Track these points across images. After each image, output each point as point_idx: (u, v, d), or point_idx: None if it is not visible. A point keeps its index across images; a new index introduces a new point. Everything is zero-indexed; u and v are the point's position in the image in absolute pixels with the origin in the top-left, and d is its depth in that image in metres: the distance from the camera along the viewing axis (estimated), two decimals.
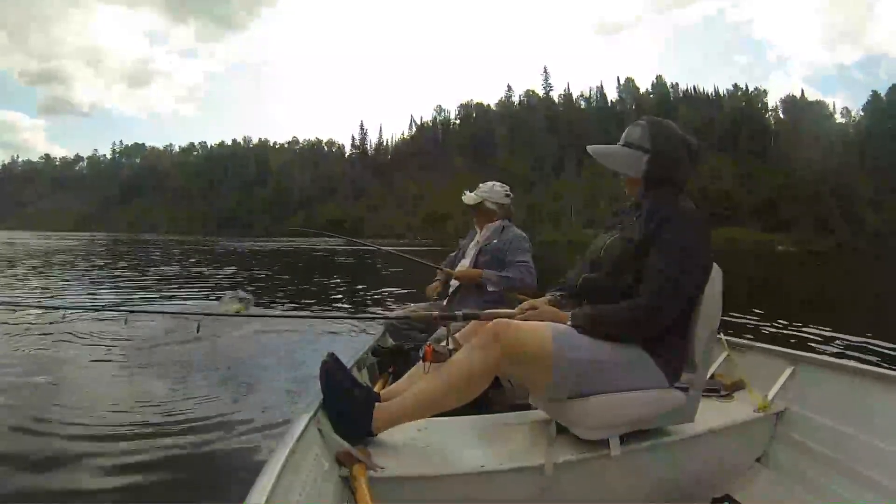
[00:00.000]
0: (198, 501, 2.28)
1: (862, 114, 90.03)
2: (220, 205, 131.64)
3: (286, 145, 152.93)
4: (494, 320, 1.77)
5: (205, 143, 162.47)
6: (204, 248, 31.68)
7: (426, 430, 1.90)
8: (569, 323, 1.82)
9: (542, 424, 1.95)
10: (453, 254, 3.81)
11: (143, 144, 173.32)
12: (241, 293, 6.49)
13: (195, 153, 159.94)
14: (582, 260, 2.04)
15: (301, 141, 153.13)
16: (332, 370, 1.80)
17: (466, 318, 2.05)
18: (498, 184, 3.66)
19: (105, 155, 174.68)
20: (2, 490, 2.31)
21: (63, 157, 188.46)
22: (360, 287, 11.79)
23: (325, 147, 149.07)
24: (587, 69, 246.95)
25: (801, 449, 2.10)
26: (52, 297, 9.05)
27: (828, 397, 2.11)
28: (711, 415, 2.08)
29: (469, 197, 3.63)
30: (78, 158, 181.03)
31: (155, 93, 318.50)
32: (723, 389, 2.41)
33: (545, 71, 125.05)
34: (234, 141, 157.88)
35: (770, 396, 2.26)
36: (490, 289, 3.28)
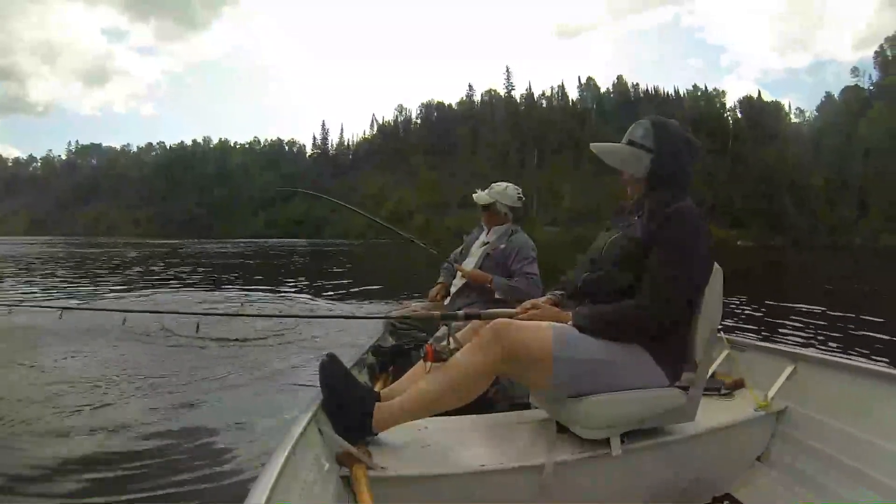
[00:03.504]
0: (198, 501, 2.26)
1: (816, 114, 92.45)
2: (181, 206, 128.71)
3: (247, 145, 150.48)
4: (495, 320, 1.77)
5: (163, 142, 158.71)
6: (177, 251, 30.81)
7: (426, 430, 1.90)
8: (570, 323, 1.82)
9: (542, 424, 1.95)
10: (458, 250, 3.76)
11: (100, 144, 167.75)
12: None
13: (154, 153, 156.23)
14: (582, 259, 2.03)
15: (262, 141, 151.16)
16: (330, 370, 1.79)
17: (468, 317, 2.05)
18: (511, 185, 3.62)
19: (60, 155, 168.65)
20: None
21: (16, 158, 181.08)
22: (350, 285, 11.85)
23: (287, 147, 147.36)
24: (548, 70, 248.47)
25: (801, 448, 2.11)
26: (46, 296, 8.88)
27: (828, 396, 2.12)
28: (712, 414, 2.08)
29: (481, 196, 3.57)
30: (31, 159, 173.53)
31: (113, 92, 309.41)
32: (723, 388, 2.42)
33: (507, 70, 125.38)
34: (193, 141, 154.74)
35: (770, 395, 2.26)
36: (497, 296, 3.24)
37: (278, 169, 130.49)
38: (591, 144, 2.01)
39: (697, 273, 1.80)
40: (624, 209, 2.06)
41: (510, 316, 1.89)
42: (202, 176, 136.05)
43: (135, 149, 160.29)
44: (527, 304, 2.01)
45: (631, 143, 1.95)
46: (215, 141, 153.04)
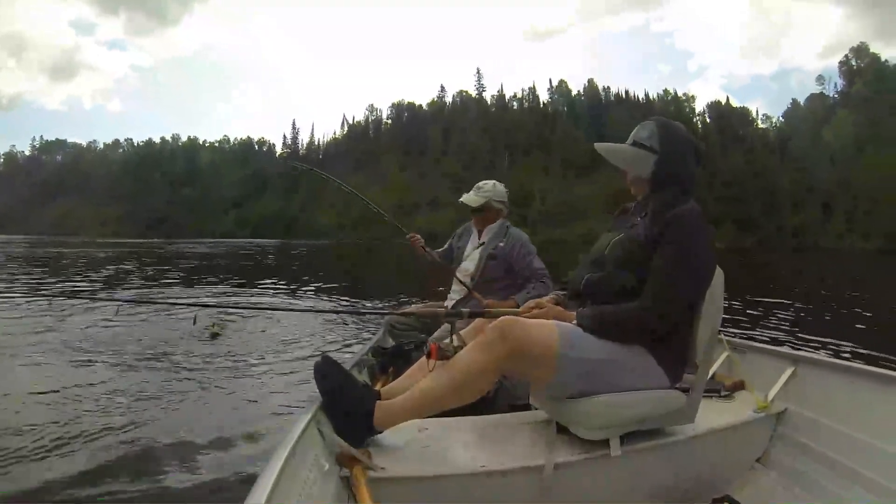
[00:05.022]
0: (198, 501, 2.25)
1: (782, 120, 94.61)
2: (149, 205, 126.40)
3: (217, 144, 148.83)
4: (500, 318, 1.75)
5: (131, 139, 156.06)
6: (152, 252, 29.95)
7: (426, 430, 1.89)
8: (573, 322, 1.81)
9: (542, 424, 1.94)
10: (442, 249, 3.68)
11: (66, 140, 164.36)
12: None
13: (121, 150, 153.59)
14: (585, 259, 2.03)
15: (232, 139, 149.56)
16: (326, 371, 1.78)
17: (472, 315, 2.03)
18: (496, 181, 3.56)
19: (24, 151, 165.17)
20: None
21: None
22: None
23: (257, 146, 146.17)
24: (519, 72, 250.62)
25: (801, 449, 2.11)
26: (36, 286, 8.64)
27: (828, 397, 2.12)
28: (712, 415, 2.08)
29: (472, 199, 3.46)
30: None
31: (79, 86, 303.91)
32: (723, 390, 2.42)
33: (478, 72, 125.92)
34: (162, 138, 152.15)
35: (770, 397, 2.27)
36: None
37: (249, 167, 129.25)
38: (595, 144, 2.00)
39: (700, 276, 1.80)
40: (627, 210, 2.06)
41: (514, 314, 1.88)
42: (171, 174, 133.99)
43: (101, 145, 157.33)
44: (530, 303, 2.01)
45: (636, 143, 1.95)
46: (184, 139, 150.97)
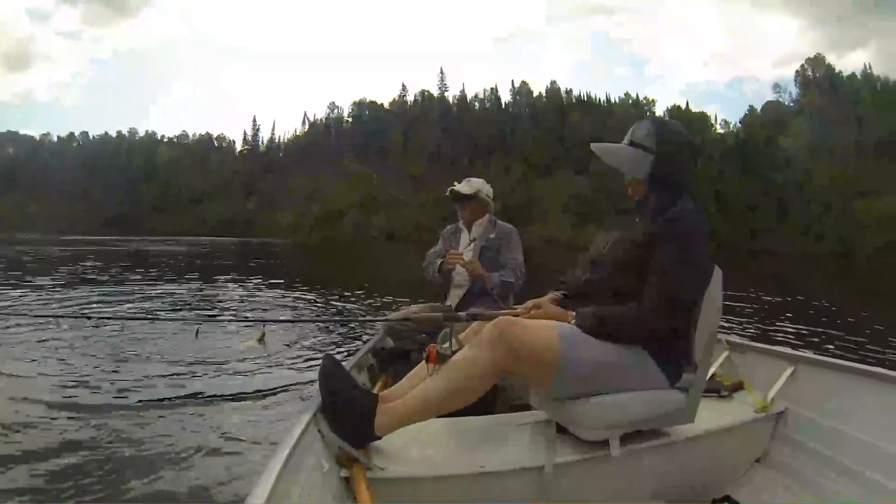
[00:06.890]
0: (199, 502, 2.26)
1: (740, 125, 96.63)
2: (106, 201, 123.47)
3: (175, 139, 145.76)
4: (500, 318, 1.74)
5: (86, 133, 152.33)
6: (127, 251, 28.15)
7: (426, 431, 1.87)
8: (573, 322, 1.80)
9: (542, 424, 1.94)
10: (434, 249, 3.60)
11: (17, 132, 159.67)
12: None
13: (76, 144, 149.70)
14: (583, 259, 2.02)
15: (191, 135, 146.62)
16: (330, 372, 1.74)
17: (471, 318, 2.01)
18: (481, 180, 3.58)
19: None
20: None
21: None
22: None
23: (216, 142, 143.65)
24: (481, 73, 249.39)
25: (800, 449, 2.12)
26: (42, 305, 8.35)
27: (828, 397, 2.13)
28: (711, 415, 2.08)
29: (463, 187, 3.47)
30: None
31: (34, 77, 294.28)
32: (723, 390, 2.41)
33: (441, 72, 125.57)
34: (118, 133, 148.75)
35: (770, 397, 2.27)
36: (493, 292, 3.20)
37: (208, 164, 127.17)
38: (592, 145, 2.00)
39: (699, 275, 1.80)
40: (626, 210, 2.06)
41: (514, 315, 1.87)
42: (128, 169, 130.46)
43: (55, 139, 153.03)
44: (529, 303, 2.00)
45: (632, 143, 1.94)
46: (141, 133, 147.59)
